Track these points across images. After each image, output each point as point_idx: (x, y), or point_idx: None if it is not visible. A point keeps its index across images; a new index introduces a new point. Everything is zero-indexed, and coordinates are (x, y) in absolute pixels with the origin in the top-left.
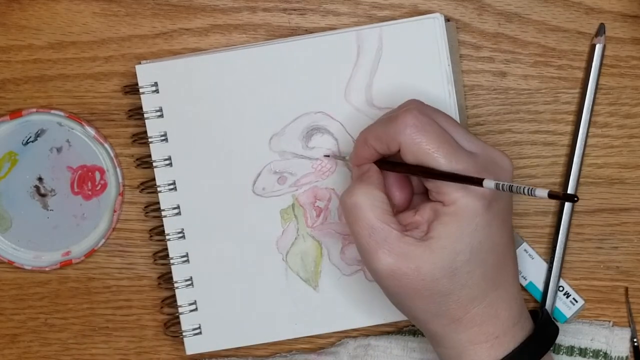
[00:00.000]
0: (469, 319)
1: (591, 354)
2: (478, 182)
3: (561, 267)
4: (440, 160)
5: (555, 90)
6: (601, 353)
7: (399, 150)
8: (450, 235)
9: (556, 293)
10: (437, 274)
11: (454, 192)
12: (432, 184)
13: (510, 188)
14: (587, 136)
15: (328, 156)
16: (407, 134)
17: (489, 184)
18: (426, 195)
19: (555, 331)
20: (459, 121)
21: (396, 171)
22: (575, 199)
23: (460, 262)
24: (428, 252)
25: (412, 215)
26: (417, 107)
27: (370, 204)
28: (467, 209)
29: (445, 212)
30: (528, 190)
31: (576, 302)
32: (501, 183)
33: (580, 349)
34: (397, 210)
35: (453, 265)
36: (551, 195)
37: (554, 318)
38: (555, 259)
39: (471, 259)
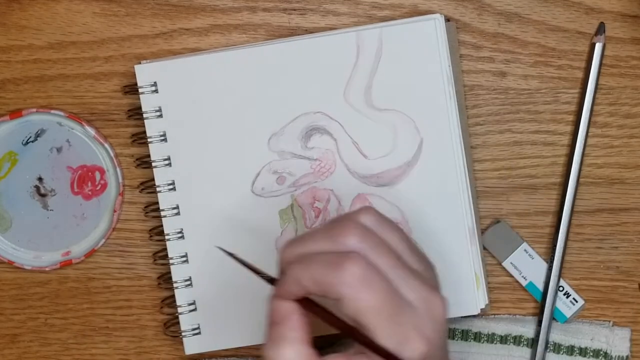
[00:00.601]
0: None
1: (591, 354)
2: None
3: (561, 267)
4: (381, 322)
5: (555, 90)
6: (601, 353)
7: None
8: None
9: (556, 293)
10: None
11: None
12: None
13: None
14: (587, 136)
15: (235, 257)
16: (352, 290)
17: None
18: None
19: None
20: (459, 121)
21: (321, 318)
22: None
23: None
24: None
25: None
26: (363, 249)
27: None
28: None
29: None
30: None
31: (576, 302)
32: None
33: (580, 349)
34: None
35: None
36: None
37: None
38: (555, 259)
39: None
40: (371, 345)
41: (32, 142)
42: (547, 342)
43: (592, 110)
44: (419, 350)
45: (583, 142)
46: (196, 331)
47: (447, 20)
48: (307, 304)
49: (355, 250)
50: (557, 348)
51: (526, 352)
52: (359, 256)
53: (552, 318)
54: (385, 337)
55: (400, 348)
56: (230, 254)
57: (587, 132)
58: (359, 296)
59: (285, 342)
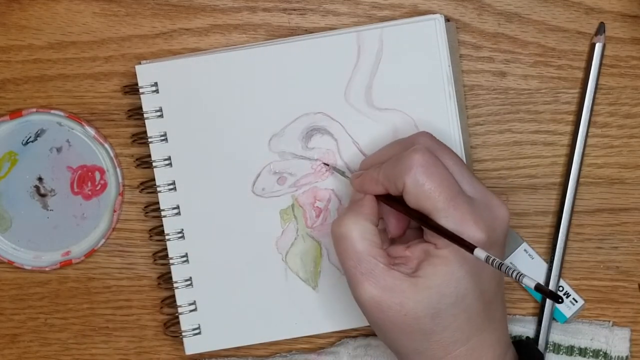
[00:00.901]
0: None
1: (591, 354)
2: (470, 248)
3: (561, 267)
4: (439, 204)
5: (555, 90)
6: (601, 353)
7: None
8: (438, 277)
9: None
10: (420, 312)
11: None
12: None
13: (500, 266)
14: (587, 136)
15: (327, 165)
16: (412, 175)
17: (479, 253)
18: (420, 231)
19: (540, 357)
20: (459, 121)
21: (394, 208)
22: (560, 300)
23: (445, 304)
24: (413, 289)
25: (403, 250)
26: (425, 144)
27: (359, 235)
28: (457, 256)
29: (437, 255)
30: (516, 275)
31: (576, 302)
32: (492, 258)
33: (580, 349)
34: (390, 238)
35: (437, 306)
36: (537, 289)
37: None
38: (555, 259)
39: (456, 303)
40: (436, 227)
41: (32, 142)
42: (547, 342)
43: (592, 110)
44: (476, 236)
45: (583, 142)
46: (196, 331)
47: (447, 20)
48: (382, 197)
49: (421, 144)
50: (557, 348)
51: None
52: (423, 147)
53: (552, 318)
54: (443, 219)
55: (459, 230)
56: (327, 165)
57: (587, 132)
58: (418, 180)
59: (352, 213)
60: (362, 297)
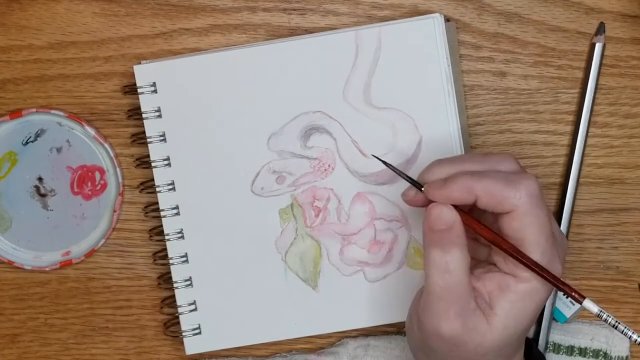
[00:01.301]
0: None
1: (591, 354)
2: (579, 298)
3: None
4: (542, 239)
5: (555, 90)
6: (601, 353)
7: (500, 213)
8: (516, 316)
9: (556, 293)
10: (491, 350)
11: (530, 272)
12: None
13: (615, 326)
14: (587, 136)
15: (390, 165)
16: (527, 203)
17: (590, 306)
18: (481, 258)
19: (541, 358)
20: (458, 120)
21: (478, 232)
22: None
23: (513, 340)
24: (492, 330)
25: (475, 281)
26: (535, 179)
27: (466, 268)
28: (537, 291)
29: (515, 290)
30: (631, 335)
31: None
32: (604, 314)
33: (580, 349)
34: None
35: (507, 343)
36: None
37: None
38: None
39: (521, 337)
40: (523, 257)
41: (32, 142)
42: (547, 342)
43: (592, 110)
44: (559, 272)
45: (583, 142)
46: (196, 331)
47: (447, 20)
48: (463, 214)
49: (527, 173)
50: (557, 348)
51: None
52: (534, 178)
53: (552, 318)
54: (540, 253)
55: (549, 267)
56: (384, 162)
57: (587, 132)
58: (531, 211)
59: (454, 246)
60: (444, 329)
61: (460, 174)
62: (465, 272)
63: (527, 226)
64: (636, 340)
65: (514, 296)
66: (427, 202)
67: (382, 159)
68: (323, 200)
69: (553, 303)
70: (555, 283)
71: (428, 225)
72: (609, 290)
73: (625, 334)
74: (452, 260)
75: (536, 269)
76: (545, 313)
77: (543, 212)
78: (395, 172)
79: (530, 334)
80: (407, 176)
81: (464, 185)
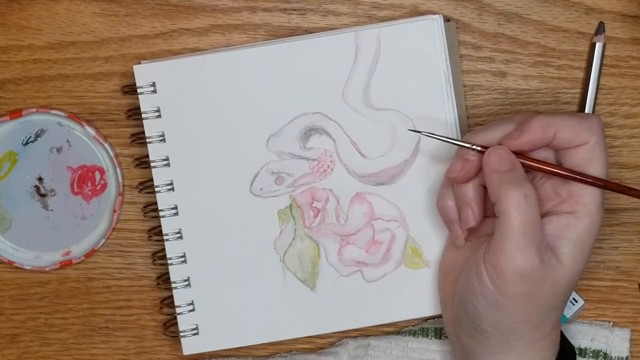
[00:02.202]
0: (550, 338)
1: (591, 354)
2: (637, 193)
3: None
4: (601, 171)
5: (555, 90)
6: (601, 353)
7: (570, 147)
8: (579, 253)
9: None
10: (564, 290)
11: (592, 204)
12: (573, 190)
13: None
14: None
15: (431, 134)
16: (600, 135)
17: None
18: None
19: (571, 348)
20: (457, 120)
21: (542, 170)
22: None
23: (577, 280)
24: (562, 268)
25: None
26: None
27: (535, 200)
28: (595, 224)
29: (575, 228)
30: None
31: (576, 302)
32: None
33: (580, 349)
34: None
35: (573, 282)
36: None
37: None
38: None
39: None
40: (586, 176)
41: (32, 142)
42: None
43: (594, 110)
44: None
45: None
46: (194, 331)
47: (447, 20)
48: (524, 157)
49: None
50: None
51: None
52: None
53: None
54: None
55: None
56: (419, 132)
57: None
58: (601, 143)
59: (526, 181)
60: (526, 265)
61: (529, 119)
62: (538, 206)
63: (597, 158)
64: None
65: (572, 234)
66: (476, 171)
67: (420, 131)
68: (322, 201)
69: None
70: (624, 190)
71: (493, 169)
72: (609, 290)
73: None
74: (528, 193)
75: (601, 182)
76: None
77: (604, 148)
78: (443, 139)
79: None
80: (462, 141)
81: (540, 126)
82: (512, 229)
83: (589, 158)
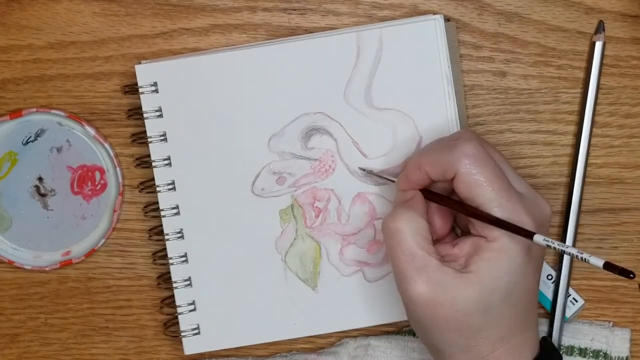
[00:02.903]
0: (495, 358)
1: (591, 354)
2: (528, 235)
3: (570, 268)
4: (491, 195)
5: (555, 90)
6: (601, 353)
7: (451, 179)
8: (491, 271)
9: (565, 301)
10: (472, 308)
11: (497, 230)
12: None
13: (563, 251)
14: (591, 132)
15: (370, 172)
16: (465, 164)
17: (539, 239)
18: (465, 228)
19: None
20: (458, 120)
21: (443, 204)
22: (632, 275)
23: (496, 299)
24: (465, 285)
25: (451, 248)
26: (476, 139)
27: (413, 231)
28: (510, 248)
29: (488, 249)
30: (582, 257)
31: (576, 302)
32: (552, 242)
33: (580, 349)
34: (435, 239)
35: (489, 301)
36: (606, 267)
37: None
38: (565, 260)
39: (506, 298)
40: (488, 217)
41: (32, 142)
42: (559, 344)
43: (594, 110)
44: (528, 227)
45: (587, 138)
46: (195, 331)
47: (447, 19)
48: (426, 193)
49: (468, 136)
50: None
51: None
52: (473, 139)
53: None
54: (496, 209)
55: (512, 220)
56: (364, 169)
57: (591, 129)
58: (472, 170)
59: (405, 209)
60: (413, 293)
61: (407, 160)
62: (412, 235)
63: (472, 187)
64: (585, 258)
65: (487, 254)
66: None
67: (366, 169)
68: (323, 200)
69: (564, 304)
70: (513, 229)
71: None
72: (609, 290)
73: (583, 259)
74: (399, 224)
75: (492, 221)
76: (557, 312)
77: (486, 170)
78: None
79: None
80: (382, 175)
81: (413, 165)
82: (392, 262)
83: (466, 189)
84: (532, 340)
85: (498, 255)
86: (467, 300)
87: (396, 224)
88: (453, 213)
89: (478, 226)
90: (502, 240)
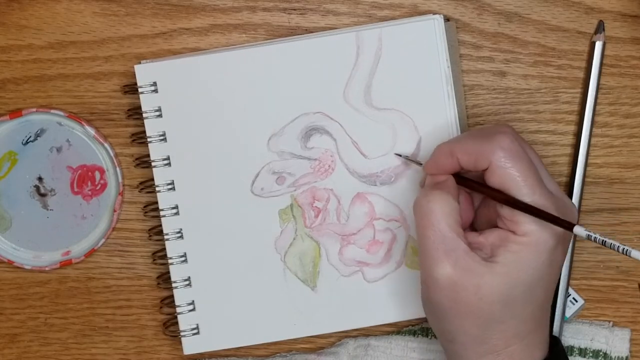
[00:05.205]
0: (507, 354)
1: (591, 354)
2: (568, 225)
3: (571, 267)
4: (524, 190)
5: (555, 90)
6: (601, 353)
7: (482, 170)
8: (517, 264)
9: (565, 301)
10: (495, 297)
11: (528, 224)
12: (507, 212)
13: (604, 242)
14: (591, 132)
15: (400, 155)
16: (500, 156)
17: (580, 231)
18: (485, 220)
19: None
20: (457, 120)
21: (477, 191)
22: None
23: (518, 292)
24: (491, 274)
25: (477, 236)
26: (513, 133)
27: (446, 212)
28: (539, 243)
29: (516, 241)
30: (623, 249)
31: (576, 302)
32: (593, 235)
33: (580, 349)
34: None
35: (511, 293)
36: None
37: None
38: (563, 267)
39: (528, 292)
40: (527, 207)
41: (32, 141)
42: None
43: (594, 110)
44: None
45: (587, 138)
46: (195, 331)
47: (447, 19)
48: (459, 178)
49: (506, 130)
50: None
51: None
52: (510, 133)
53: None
54: (529, 201)
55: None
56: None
57: (591, 129)
58: (506, 163)
59: (439, 190)
60: (439, 274)
61: (437, 147)
62: (445, 216)
63: (505, 180)
64: (628, 251)
65: (514, 246)
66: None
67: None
68: (323, 200)
69: (564, 304)
70: (552, 218)
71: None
72: (609, 290)
73: (624, 252)
74: (434, 204)
75: (530, 209)
76: (556, 312)
77: (521, 165)
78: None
79: None
80: (410, 158)
81: (444, 151)
82: (418, 240)
83: (499, 182)
84: (544, 341)
85: (526, 249)
86: (491, 289)
87: (430, 205)
88: (473, 204)
89: (507, 220)
90: (531, 235)
